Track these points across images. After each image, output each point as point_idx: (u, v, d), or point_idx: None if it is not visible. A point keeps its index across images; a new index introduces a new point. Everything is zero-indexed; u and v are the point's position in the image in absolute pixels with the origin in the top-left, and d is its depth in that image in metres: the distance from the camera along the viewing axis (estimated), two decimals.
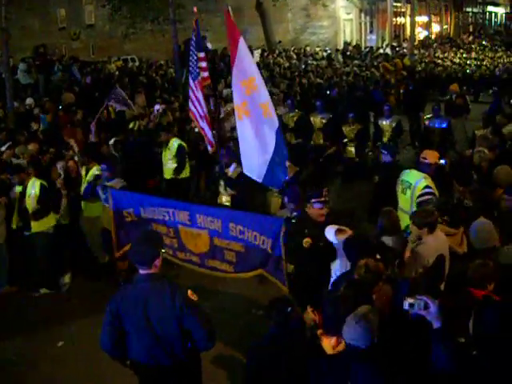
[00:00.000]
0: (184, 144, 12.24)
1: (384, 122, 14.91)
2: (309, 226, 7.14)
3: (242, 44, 9.28)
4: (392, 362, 4.54)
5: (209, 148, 11.22)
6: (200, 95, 10.86)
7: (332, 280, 6.50)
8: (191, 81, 10.99)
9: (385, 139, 14.54)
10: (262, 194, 10.86)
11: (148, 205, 8.32)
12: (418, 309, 4.35)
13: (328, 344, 4.64)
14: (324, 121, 15.10)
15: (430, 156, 8.68)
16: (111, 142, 12.26)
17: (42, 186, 9.45)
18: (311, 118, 15.22)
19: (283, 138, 9.29)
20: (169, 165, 12.19)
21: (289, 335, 4.71)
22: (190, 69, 11.05)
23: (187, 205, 8.34)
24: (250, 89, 8.95)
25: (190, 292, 5.24)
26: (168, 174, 12.27)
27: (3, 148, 11.20)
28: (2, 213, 9.55)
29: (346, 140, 15.11)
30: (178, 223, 8.07)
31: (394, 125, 14.77)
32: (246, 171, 9.41)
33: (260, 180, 9.24)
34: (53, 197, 9.72)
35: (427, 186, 8.23)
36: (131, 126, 13.84)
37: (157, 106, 15.21)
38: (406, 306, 4.37)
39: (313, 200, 7.21)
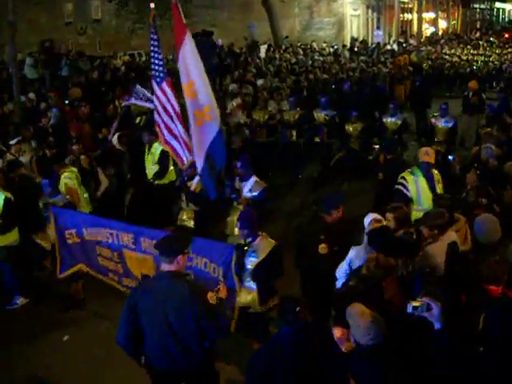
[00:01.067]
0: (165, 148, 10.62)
1: (389, 120, 14.73)
2: (323, 230, 7.15)
3: (188, 43, 8.25)
4: (398, 360, 4.52)
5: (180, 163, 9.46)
6: (173, 102, 9.02)
7: (342, 270, 6.49)
8: (156, 86, 9.13)
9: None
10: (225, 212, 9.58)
11: (91, 225, 7.87)
12: (422, 311, 4.36)
13: (338, 335, 4.65)
14: (327, 117, 15.00)
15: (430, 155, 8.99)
16: (115, 136, 12.18)
17: (6, 199, 8.78)
18: (315, 114, 15.20)
19: (222, 144, 8.37)
20: (152, 170, 11.23)
21: (297, 334, 4.68)
22: (154, 72, 9.32)
23: (131, 227, 7.64)
24: (188, 95, 8.13)
25: (209, 294, 5.27)
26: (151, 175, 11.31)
27: (12, 142, 11.20)
28: None
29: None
30: (122, 246, 7.57)
31: (399, 123, 14.68)
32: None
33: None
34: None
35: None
36: (137, 120, 13.81)
37: None
38: (409, 309, 4.39)
39: (332, 210, 7.26)
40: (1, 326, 8.64)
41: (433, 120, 14.54)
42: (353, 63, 26.85)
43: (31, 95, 15.82)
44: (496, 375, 4.32)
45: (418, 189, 8.75)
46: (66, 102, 15.51)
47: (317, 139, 14.55)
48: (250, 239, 7.02)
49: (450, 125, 14.16)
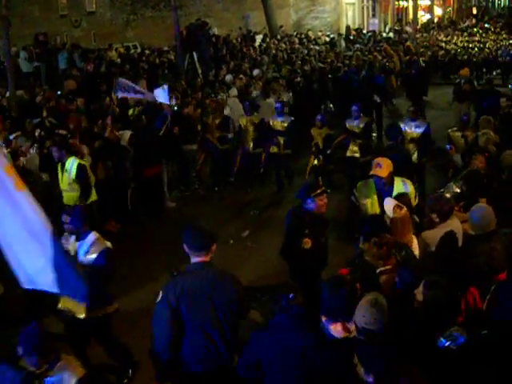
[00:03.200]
0: (83, 162, 10.01)
1: (352, 124, 13.05)
2: (308, 224, 6.93)
3: None
4: (406, 348, 4.57)
5: None
6: None
7: None
8: None
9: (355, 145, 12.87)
10: None
11: None
12: (455, 344, 4.42)
13: (336, 330, 4.61)
14: (284, 124, 13.43)
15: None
16: (127, 134, 12.13)
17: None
18: (270, 121, 13.69)
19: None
20: (69, 190, 9.87)
21: (291, 321, 4.66)
22: None
23: None
24: None
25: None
26: (70, 200, 9.83)
27: (11, 137, 11.16)
28: None
29: None
30: None
31: (362, 126, 12.98)
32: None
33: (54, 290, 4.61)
34: None
35: None
36: (130, 112, 13.77)
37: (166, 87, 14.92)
38: (442, 343, 4.42)
39: (314, 194, 7.01)
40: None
41: (401, 125, 12.14)
42: (349, 52, 26.82)
43: (19, 92, 15.61)
44: (499, 357, 4.35)
45: (367, 203, 7.44)
46: (59, 92, 15.50)
47: (274, 149, 13.48)
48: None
49: (421, 130, 11.97)
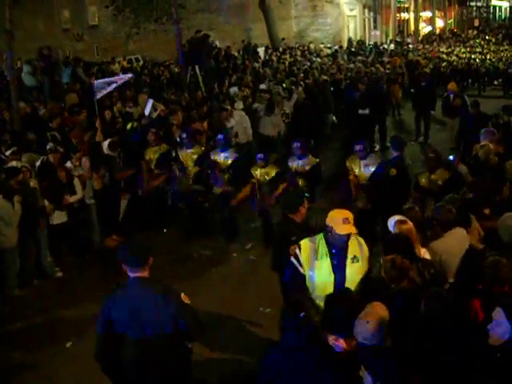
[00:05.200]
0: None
1: (295, 164, 10.79)
2: (295, 231, 6.80)
3: None
4: (408, 359, 4.58)
5: None
6: None
7: None
8: None
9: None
10: None
11: None
12: None
13: (338, 345, 4.64)
14: (229, 161, 11.54)
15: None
16: (106, 142, 12.16)
17: None
18: (212, 156, 11.79)
19: None
20: None
21: (303, 341, 4.66)
22: None
23: None
24: None
25: (182, 295, 5.20)
26: None
27: (8, 153, 11.16)
28: (17, 213, 9.55)
29: None
30: None
31: (308, 168, 10.67)
32: None
33: None
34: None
35: None
36: (129, 126, 13.78)
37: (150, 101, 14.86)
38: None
39: (299, 207, 7.09)
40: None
41: (347, 163, 10.57)
42: (351, 64, 26.87)
43: (21, 104, 15.65)
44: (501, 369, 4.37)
45: (313, 268, 5.93)
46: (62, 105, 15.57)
47: (217, 190, 11.63)
48: None
49: (371, 171, 10.16)
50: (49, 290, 9.98)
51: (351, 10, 39.73)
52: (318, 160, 10.97)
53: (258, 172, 10.99)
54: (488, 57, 35.62)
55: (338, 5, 38.26)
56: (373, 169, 10.10)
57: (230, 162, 11.52)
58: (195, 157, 11.93)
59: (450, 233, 6.58)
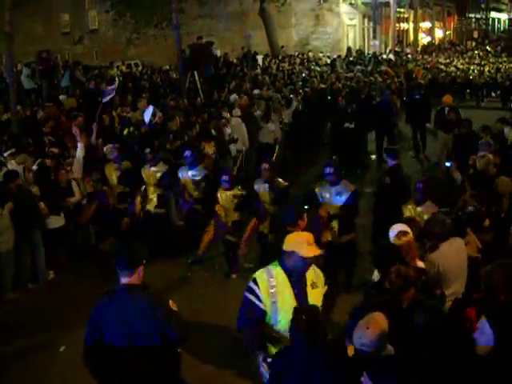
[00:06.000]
0: None
1: (261, 189, 9.76)
2: None
3: None
4: (407, 369, 4.63)
5: None
6: None
7: None
8: None
9: None
10: None
11: None
12: None
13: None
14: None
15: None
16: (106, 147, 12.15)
17: None
18: (180, 174, 10.86)
19: None
20: None
21: (309, 345, 4.70)
22: None
23: None
24: None
25: (170, 302, 5.12)
26: None
27: (6, 154, 11.17)
28: (6, 220, 9.53)
29: None
30: None
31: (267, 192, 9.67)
32: None
33: None
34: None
35: None
36: (126, 132, 13.76)
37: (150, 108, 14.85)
38: None
39: (298, 220, 6.93)
40: None
41: (316, 190, 9.28)
42: (350, 73, 26.93)
43: (19, 107, 15.62)
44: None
45: (276, 300, 5.41)
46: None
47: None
48: None
49: (342, 201, 8.96)
50: (43, 294, 9.96)
51: (351, 19, 39.87)
52: (287, 184, 9.84)
53: (223, 195, 10.04)
54: (487, 68, 35.72)
55: (338, 14, 38.39)
56: (344, 198, 8.89)
57: (198, 179, 10.65)
58: (159, 175, 10.89)
59: (447, 243, 6.58)
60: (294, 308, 5.02)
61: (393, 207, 8.75)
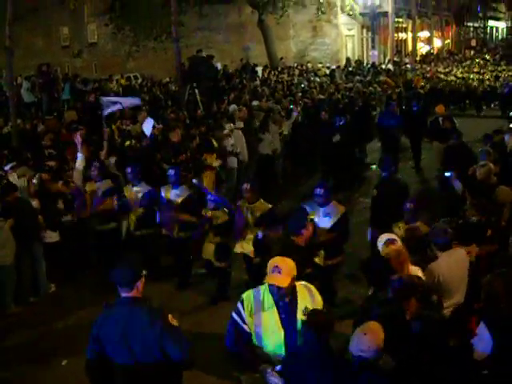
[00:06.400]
0: None
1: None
2: (293, 252, 6.50)
3: None
4: (404, 375, 4.71)
5: None
6: None
7: None
8: None
9: None
10: None
11: None
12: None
13: None
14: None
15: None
16: (112, 161, 12.19)
17: None
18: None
19: None
20: None
21: (315, 349, 4.84)
22: None
23: None
24: None
25: (170, 317, 5.05)
26: None
27: (7, 167, 11.20)
28: (6, 234, 9.54)
29: None
30: None
31: (257, 215, 9.13)
32: None
33: None
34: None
35: None
36: (127, 143, 13.79)
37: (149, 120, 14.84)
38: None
39: (301, 230, 7.11)
40: None
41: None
42: (350, 83, 26.98)
43: (19, 121, 15.65)
44: None
45: (259, 323, 5.32)
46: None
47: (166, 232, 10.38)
48: None
49: (330, 224, 8.55)
50: (45, 307, 9.93)
51: (349, 29, 39.97)
52: (270, 206, 9.18)
53: (209, 215, 9.53)
54: (486, 77, 35.79)
55: (337, 25, 38.47)
56: (332, 220, 8.52)
57: (180, 200, 10.06)
58: (140, 196, 10.32)
59: (447, 253, 6.58)
60: (307, 312, 5.09)
61: (384, 222, 8.66)
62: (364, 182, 16.21)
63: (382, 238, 6.65)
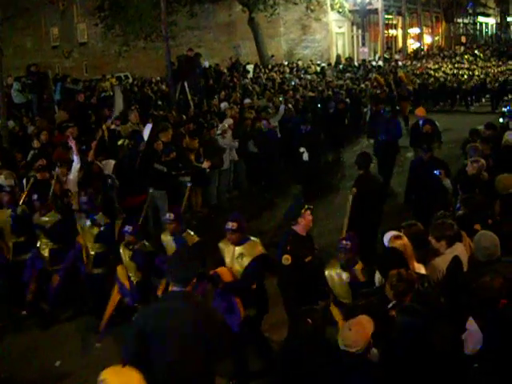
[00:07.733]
0: None
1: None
2: (293, 241, 7.07)
3: None
4: (388, 371, 4.72)
5: None
6: None
7: None
8: None
9: None
10: None
11: None
12: None
13: None
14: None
15: None
16: (112, 162, 12.13)
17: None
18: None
19: None
20: None
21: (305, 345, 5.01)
22: None
23: None
24: None
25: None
26: None
27: None
28: None
29: None
30: None
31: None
32: None
33: None
34: None
35: None
36: (120, 142, 13.72)
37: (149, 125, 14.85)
38: None
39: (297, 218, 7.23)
40: None
41: (220, 245, 7.23)
42: (340, 81, 27.00)
43: (10, 123, 15.59)
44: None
45: None
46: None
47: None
48: None
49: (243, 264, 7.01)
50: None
51: (340, 27, 40.00)
52: (198, 239, 7.88)
53: (126, 252, 8.14)
54: (476, 73, 35.88)
55: (327, 22, 38.48)
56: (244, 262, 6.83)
57: (95, 234, 8.63)
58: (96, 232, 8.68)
59: (452, 249, 6.54)
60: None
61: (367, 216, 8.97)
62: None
63: (388, 235, 6.65)
